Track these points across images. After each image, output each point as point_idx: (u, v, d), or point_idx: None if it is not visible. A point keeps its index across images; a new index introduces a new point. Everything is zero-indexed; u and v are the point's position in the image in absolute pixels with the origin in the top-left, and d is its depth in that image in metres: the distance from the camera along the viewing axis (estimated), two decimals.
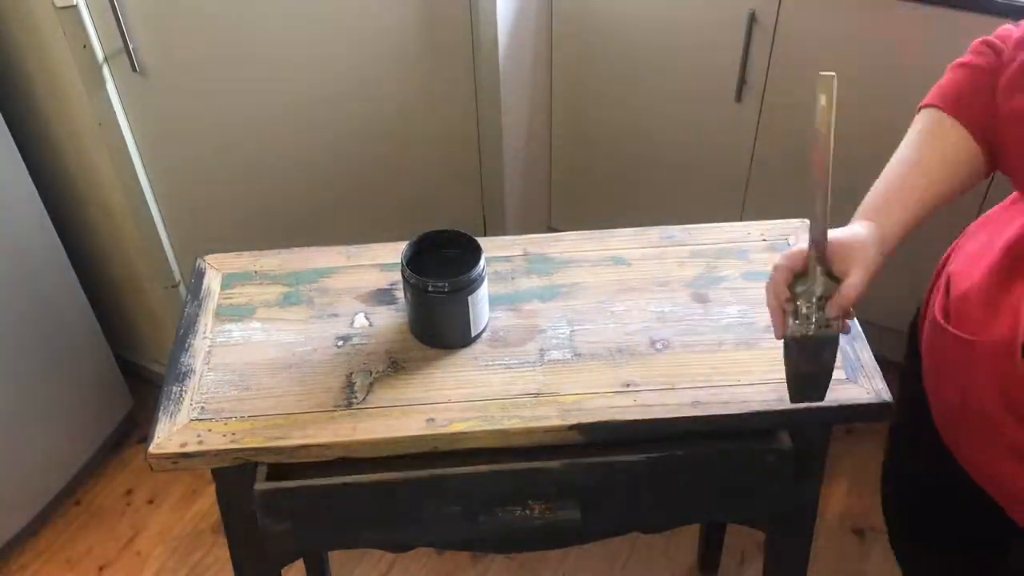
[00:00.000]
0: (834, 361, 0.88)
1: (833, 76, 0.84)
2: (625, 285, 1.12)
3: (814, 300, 0.84)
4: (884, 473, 1.19)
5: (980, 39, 0.99)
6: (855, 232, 0.88)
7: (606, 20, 1.88)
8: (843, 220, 0.94)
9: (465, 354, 1.04)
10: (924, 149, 0.97)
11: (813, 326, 0.84)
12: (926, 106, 0.98)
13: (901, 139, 1.77)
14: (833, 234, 0.86)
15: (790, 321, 0.85)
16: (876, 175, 1.90)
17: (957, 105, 0.95)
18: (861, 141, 1.76)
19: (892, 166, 0.97)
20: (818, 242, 0.84)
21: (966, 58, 0.98)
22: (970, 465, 0.94)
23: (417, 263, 1.03)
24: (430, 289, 1.00)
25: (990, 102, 0.91)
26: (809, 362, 0.87)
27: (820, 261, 0.84)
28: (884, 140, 1.77)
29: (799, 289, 0.85)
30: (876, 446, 1.92)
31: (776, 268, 0.86)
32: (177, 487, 1.88)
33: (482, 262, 1.02)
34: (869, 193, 0.95)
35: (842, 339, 1.03)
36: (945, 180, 0.94)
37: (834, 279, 0.85)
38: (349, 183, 1.85)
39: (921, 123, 0.99)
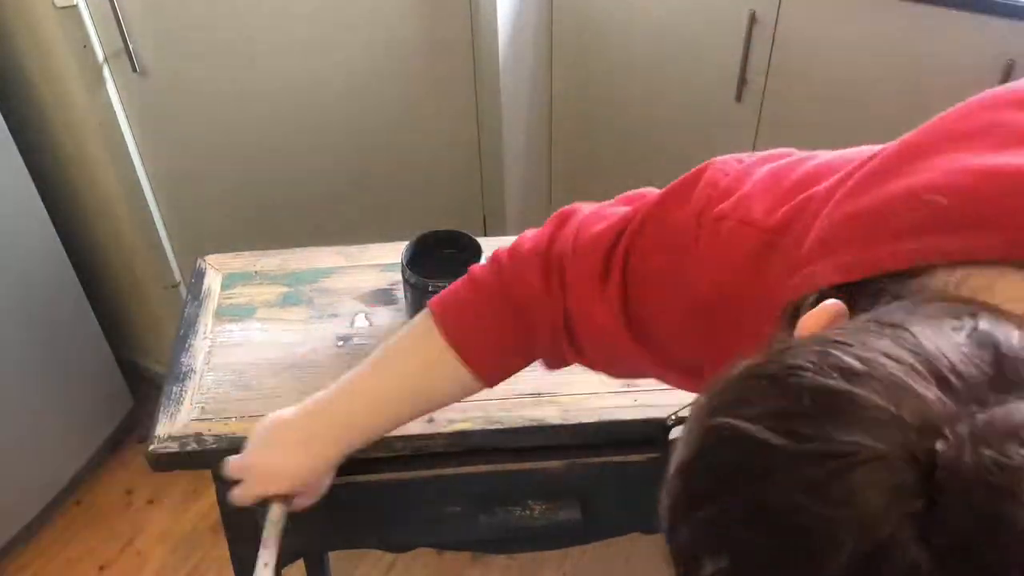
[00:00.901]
0: None
1: None
2: None
3: None
4: None
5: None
6: None
7: (606, 20, 1.88)
8: None
9: None
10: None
11: None
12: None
13: (898, 135, 1.77)
14: None
15: None
16: None
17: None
18: (857, 139, 1.76)
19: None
20: None
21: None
22: None
23: (417, 263, 1.03)
24: (430, 289, 1.00)
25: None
26: None
27: None
28: (884, 140, 1.77)
29: None
30: None
31: None
32: (177, 487, 1.88)
33: (482, 262, 1.02)
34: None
35: None
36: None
37: None
38: (349, 183, 1.85)
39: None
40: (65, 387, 1.78)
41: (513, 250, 0.76)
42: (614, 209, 0.74)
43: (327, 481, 0.87)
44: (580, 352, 0.74)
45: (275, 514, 0.83)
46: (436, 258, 1.05)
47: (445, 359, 0.76)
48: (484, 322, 0.76)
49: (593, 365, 0.76)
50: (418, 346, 0.79)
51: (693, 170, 0.68)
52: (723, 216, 0.62)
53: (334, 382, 0.82)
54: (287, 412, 0.84)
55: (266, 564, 0.81)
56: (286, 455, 0.83)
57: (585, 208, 0.76)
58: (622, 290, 0.67)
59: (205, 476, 1.03)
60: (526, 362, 0.79)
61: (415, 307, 1.05)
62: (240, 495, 0.85)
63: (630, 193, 0.76)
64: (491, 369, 0.78)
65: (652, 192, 0.72)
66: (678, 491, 0.42)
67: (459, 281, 0.79)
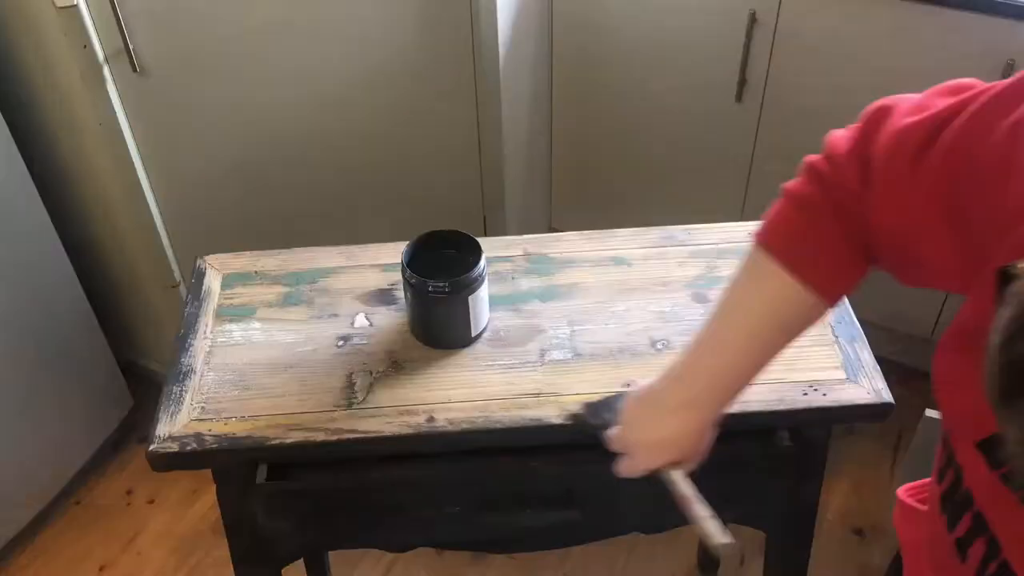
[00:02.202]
0: None
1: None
2: (625, 285, 1.12)
3: None
4: None
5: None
6: None
7: (606, 20, 1.88)
8: None
9: (466, 354, 1.04)
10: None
11: None
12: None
13: None
14: None
15: None
16: None
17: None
18: None
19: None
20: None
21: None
22: None
23: (418, 263, 1.03)
24: (430, 289, 1.00)
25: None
26: None
27: None
28: None
29: None
30: (876, 446, 1.92)
31: None
32: (177, 487, 1.88)
33: (482, 262, 1.02)
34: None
35: (841, 338, 1.04)
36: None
37: None
38: (349, 183, 1.85)
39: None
40: (65, 387, 1.78)
41: (829, 155, 0.76)
42: (935, 100, 0.72)
43: (709, 439, 0.85)
44: (877, 253, 0.73)
45: (677, 476, 0.85)
46: (437, 258, 1.05)
47: (785, 285, 0.75)
48: (813, 235, 0.74)
49: (891, 269, 0.74)
50: (755, 282, 0.78)
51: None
52: None
53: (684, 348, 0.82)
54: (654, 384, 0.83)
55: (705, 516, 0.83)
56: (668, 426, 0.83)
57: (902, 101, 0.75)
58: (943, 172, 0.64)
59: (205, 476, 1.03)
60: (864, 271, 0.76)
61: (415, 307, 1.05)
62: (629, 469, 0.85)
63: (952, 83, 0.74)
64: (832, 283, 0.75)
65: (980, 83, 0.70)
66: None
67: (778, 203, 0.78)
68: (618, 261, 1.16)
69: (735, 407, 0.97)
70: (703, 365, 0.81)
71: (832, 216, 0.74)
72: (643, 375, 1.00)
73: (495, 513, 1.02)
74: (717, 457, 1.02)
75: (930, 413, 1.52)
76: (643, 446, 0.85)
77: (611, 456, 0.86)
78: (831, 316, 1.06)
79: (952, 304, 1.87)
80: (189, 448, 0.95)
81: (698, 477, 0.85)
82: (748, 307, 0.79)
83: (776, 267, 0.75)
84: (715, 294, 1.10)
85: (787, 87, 1.77)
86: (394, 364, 1.03)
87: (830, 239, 0.74)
